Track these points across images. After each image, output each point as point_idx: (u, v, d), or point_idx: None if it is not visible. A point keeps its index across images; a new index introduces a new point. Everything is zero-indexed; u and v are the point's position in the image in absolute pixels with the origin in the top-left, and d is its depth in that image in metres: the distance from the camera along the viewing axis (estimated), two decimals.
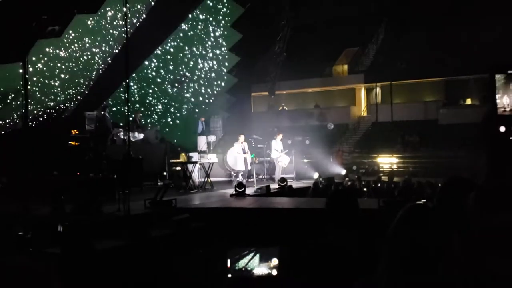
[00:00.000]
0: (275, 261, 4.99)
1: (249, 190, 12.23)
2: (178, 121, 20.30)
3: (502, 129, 2.75)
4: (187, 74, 19.32)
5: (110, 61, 16.78)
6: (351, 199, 2.82)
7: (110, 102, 18.01)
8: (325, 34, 31.13)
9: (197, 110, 20.29)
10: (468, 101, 28.48)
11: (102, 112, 15.19)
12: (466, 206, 1.84)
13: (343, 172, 19.71)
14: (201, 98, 20.39)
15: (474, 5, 24.67)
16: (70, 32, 14.37)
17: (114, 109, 18.01)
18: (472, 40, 23.69)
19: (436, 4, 26.23)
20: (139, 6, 16.22)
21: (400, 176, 17.48)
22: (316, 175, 17.34)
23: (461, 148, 19.02)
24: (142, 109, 19.22)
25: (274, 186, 14.01)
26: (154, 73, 18.93)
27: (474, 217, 1.79)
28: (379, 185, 14.58)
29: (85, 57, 15.90)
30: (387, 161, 23.91)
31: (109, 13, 15.07)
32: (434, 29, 26.44)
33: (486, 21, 22.92)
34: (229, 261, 4.95)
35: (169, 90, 19.58)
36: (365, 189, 13.88)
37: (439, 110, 27.23)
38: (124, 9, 9.33)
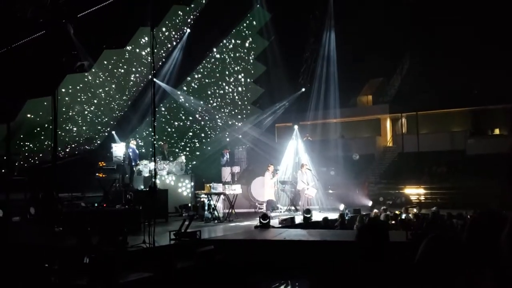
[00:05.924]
0: None
1: (273, 222, 12.13)
2: (209, 147, 20.49)
3: None
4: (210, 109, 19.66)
5: (143, 87, 17.22)
6: (383, 232, 2.77)
7: (143, 129, 18.36)
8: (349, 65, 31.16)
9: (227, 134, 20.46)
10: (496, 131, 27.96)
11: (129, 144, 15.40)
12: (498, 242, 1.80)
13: (370, 203, 19.41)
14: (230, 122, 20.57)
15: (501, 34, 24.48)
16: (106, 57, 14.82)
17: (144, 134, 18.31)
18: (499, 69, 23.41)
19: (462, 33, 26.08)
20: (173, 33, 16.67)
21: (428, 208, 17.13)
22: (342, 207, 17.09)
23: (490, 178, 18.59)
24: (175, 135, 19.49)
25: (299, 217, 13.86)
26: (184, 99, 19.22)
27: (506, 253, 1.75)
28: (404, 216, 14.28)
29: (122, 83, 16.33)
30: (414, 192, 23.47)
31: (143, 40, 15.46)
32: (460, 58, 26.21)
33: None
34: None
35: (199, 117, 19.84)
36: (392, 222, 13.60)
37: (466, 140, 26.75)
38: (150, 44, 9.53)
